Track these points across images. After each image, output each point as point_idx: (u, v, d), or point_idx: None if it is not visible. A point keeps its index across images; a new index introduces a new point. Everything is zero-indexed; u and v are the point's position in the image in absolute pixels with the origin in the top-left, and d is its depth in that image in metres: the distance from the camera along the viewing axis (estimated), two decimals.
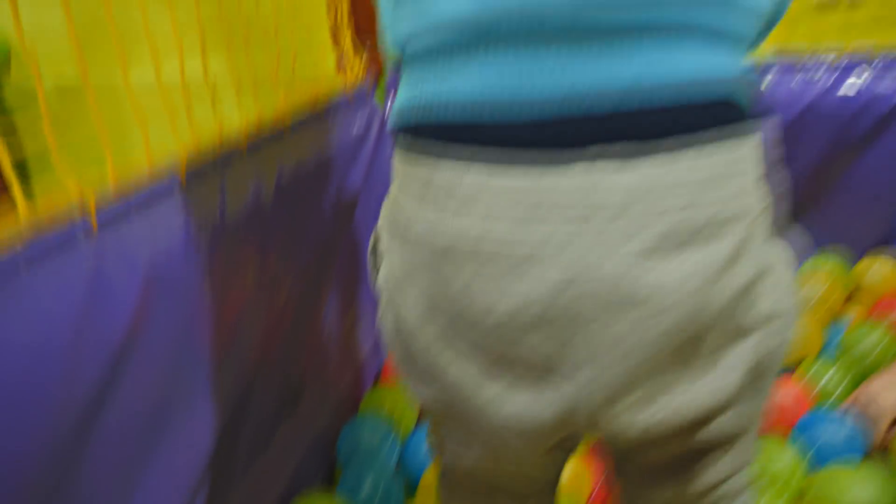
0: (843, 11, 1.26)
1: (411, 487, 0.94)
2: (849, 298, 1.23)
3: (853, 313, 1.19)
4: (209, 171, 0.72)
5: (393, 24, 0.41)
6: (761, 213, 0.40)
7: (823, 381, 1.02)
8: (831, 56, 1.23)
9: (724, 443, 0.46)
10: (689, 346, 0.39)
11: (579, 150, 0.36)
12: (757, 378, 0.42)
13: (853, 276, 1.24)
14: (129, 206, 0.60)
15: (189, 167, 0.68)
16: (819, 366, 1.05)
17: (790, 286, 0.43)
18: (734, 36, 0.39)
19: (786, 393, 0.97)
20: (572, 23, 0.35)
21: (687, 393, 0.40)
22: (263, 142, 0.83)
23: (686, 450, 0.46)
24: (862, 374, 1.02)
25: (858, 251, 1.27)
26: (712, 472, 0.47)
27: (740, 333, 0.40)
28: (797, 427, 0.94)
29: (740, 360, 0.41)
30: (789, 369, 1.08)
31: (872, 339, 1.03)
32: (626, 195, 0.36)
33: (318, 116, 0.99)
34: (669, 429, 0.42)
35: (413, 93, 0.41)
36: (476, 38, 0.37)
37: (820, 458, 0.89)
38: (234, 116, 0.80)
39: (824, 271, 1.21)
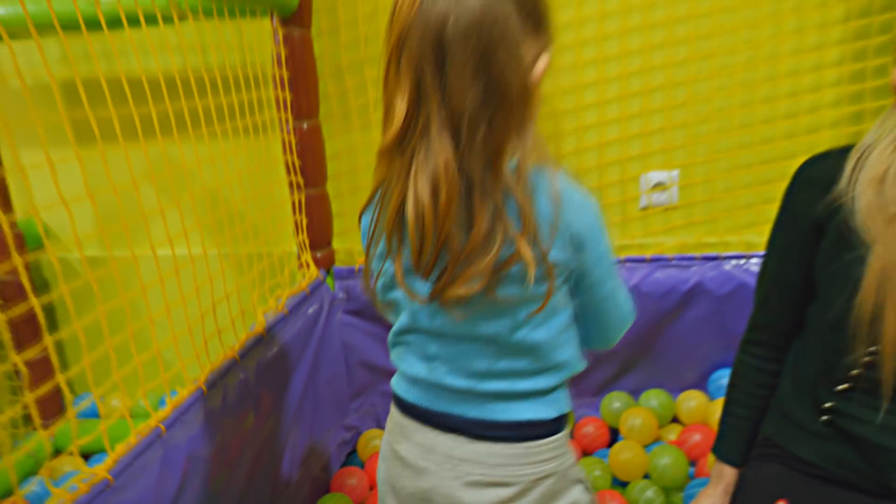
0: (660, 214, 1.80)
1: None
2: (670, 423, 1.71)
3: (671, 436, 1.67)
4: (218, 379, 1.17)
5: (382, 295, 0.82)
6: (545, 477, 0.78)
7: (645, 496, 1.47)
8: (649, 252, 1.75)
9: None
10: None
11: (450, 432, 0.79)
12: None
13: (674, 407, 1.72)
14: (178, 412, 1.05)
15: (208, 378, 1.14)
16: (641, 483, 1.50)
17: None
18: (547, 389, 0.78)
19: None
20: (464, 389, 0.78)
21: None
22: (249, 349, 1.30)
23: None
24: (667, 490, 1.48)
25: (678, 389, 1.76)
26: None
27: None
28: None
29: None
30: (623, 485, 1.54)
31: (667, 461, 1.49)
32: (465, 455, 0.79)
33: (285, 316, 1.47)
34: None
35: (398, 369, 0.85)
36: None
37: None
38: (229, 332, 1.27)
39: (649, 405, 1.69)
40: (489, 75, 0.65)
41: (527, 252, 0.67)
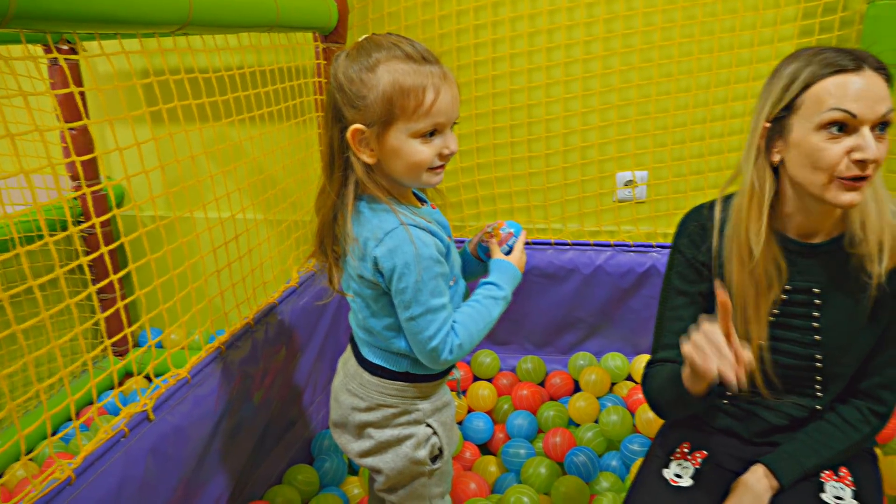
0: (630, 207, 2.14)
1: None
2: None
3: (623, 391, 2.03)
4: (262, 317, 1.58)
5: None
6: (388, 406, 1.10)
7: (587, 436, 1.83)
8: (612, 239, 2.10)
9: None
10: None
11: (353, 357, 1.16)
12: None
13: (628, 367, 2.09)
14: (233, 338, 1.45)
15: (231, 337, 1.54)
16: (589, 426, 1.87)
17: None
18: (396, 353, 1.08)
19: None
20: (359, 335, 1.15)
21: None
22: (285, 297, 1.70)
23: None
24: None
25: (633, 353, 2.13)
26: None
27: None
28: None
29: None
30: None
31: (615, 418, 1.84)
32: (349, 371, 1.15)
33: (315, 274, 1.86)
34: None
35: None
36: None
37: None
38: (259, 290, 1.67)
39: (608, 365, 2.06)
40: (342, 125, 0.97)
41: (350, 264, 1.02)
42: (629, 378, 2.10)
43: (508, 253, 1.13)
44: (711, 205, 1.15)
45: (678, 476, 1.16)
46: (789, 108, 0.99)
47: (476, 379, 2.15)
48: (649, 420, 1.79)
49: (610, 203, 2.15)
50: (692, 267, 1.15)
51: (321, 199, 1.04)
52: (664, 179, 2.09)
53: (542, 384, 2.10)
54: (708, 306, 1.14)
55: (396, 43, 0.95)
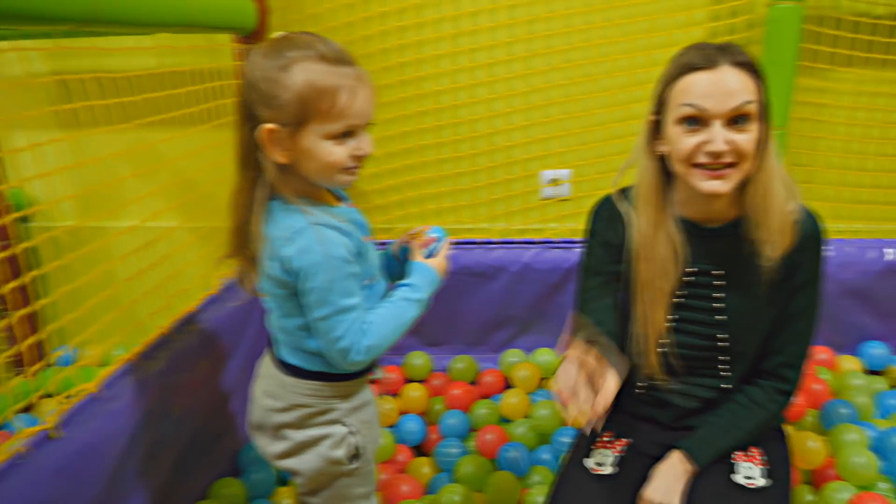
0: (556, 205, 2.17)
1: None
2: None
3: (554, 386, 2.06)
4: (184, 325, 1.52)
5: None
6: (303, 406, 1.08)
7: (519, 431, 1.85)
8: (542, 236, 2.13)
9: None
10: None
11: (270, 359, 1.15)
12: None
13: (559, 362, 2.11)
14: (150, 349, 1.40)
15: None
16: (520, 421, 1.89)
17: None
18: (310, 352, 1.05)
19: None
20: (274, 336, 1.14)
21: None
22: (206, 305, 1.65)
23: None
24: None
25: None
26: None
27: None
28: None
29: None
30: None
31: (546, 412, 1.86)
32: (265, 372, 1.14)
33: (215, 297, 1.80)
34: None
35: None
36: None
37: None
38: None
39: (538, 361, 2.09)
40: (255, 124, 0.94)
41: (252, 263, 1.02)
42: None
43: (429, 257, 1.13)
44: (619, 192, 1.21)
45: (599, 464, 1.19)
46: (661, 105, 1.07)
47: (408, 381, 2.14)
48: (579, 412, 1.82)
49: (536, 201, 2.18)
50: (605, 248, 1.21)
51: (235, 199, 1.02)
52: (587, 177, 2.13)
53: (474, 383, 2.11)
54: (622, 286, 1.20)
55: (311, 43, 0.94)
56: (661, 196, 1.12)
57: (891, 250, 2.02)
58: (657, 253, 1.12)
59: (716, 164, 1.02)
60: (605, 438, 1.24)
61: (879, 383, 1.97)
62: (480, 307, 2.16)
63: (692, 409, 1.20)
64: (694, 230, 1.14)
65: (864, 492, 1.51)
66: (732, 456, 1.16)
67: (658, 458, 1.15)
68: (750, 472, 1.14)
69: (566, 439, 1.75)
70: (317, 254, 0.95)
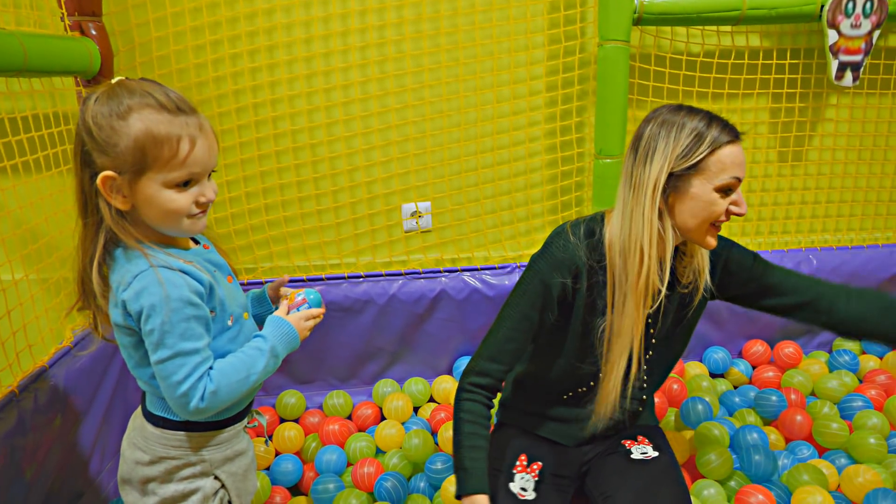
0: (419, 237, 2.25)
1: None
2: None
3: (426, 413, 2.11)
4: (29, 383, 1.44)
5: None
6: (170, 458, 1.05)
7: (393, 461, 1.88)
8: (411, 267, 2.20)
9: None
10: None
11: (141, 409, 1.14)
12: None
13: (430, 390, 2.17)
14: None
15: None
16: (393, 451, 1.92)
17: None
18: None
19: None
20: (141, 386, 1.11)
21: None
22: (57, 359, 1.56)
23: None
24: None
25: (433, 375, 2.22)
26: None
27: None
28: None
29: None
30: None
31: (417, 441, 1.91)
32: (134, 424, 1.11)
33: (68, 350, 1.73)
34: None
35: None
36: None
37: None
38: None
39: (410, 390, 2.13)
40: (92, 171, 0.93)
41: (100, 310, 1.00)
42: (431, 399, 2.19)
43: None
44: (577, 234, 1.25)
45: (524, 490, 1.28)
46: (694, 167, 1.13)
47: (283, 421, 2.12)
48: (450, 438, 1.88)
49: (399, 234, 2.25)
50: (547, 296, 1.24)
51: (78, 247, 0.99)
52: (445, 208, 2.23)
53: (350, 417, 2.12)
54: (539, 332, 1.27)
55: (150, 91, 0.93)
56: (662, 248, 1.21)
57: None
58: (647, 292, 1.19)
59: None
60: (523, 462, 1.35)
61: (723, 385, 2.20)
62: (350, 341, 2.18)
63: (602, 431, 1.40)
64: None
65: (749, 485, 1.65)
66: (626, 445, 1.39)
67: (565, 478, 1.34)
68: (643, 450, 1.37)
69: (437, 465, 1.78)
70: (154, 295, 0.92)
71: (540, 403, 1.42)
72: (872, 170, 2.39)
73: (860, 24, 2.01)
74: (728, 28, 2.13)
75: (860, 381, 2.18)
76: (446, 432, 1.89)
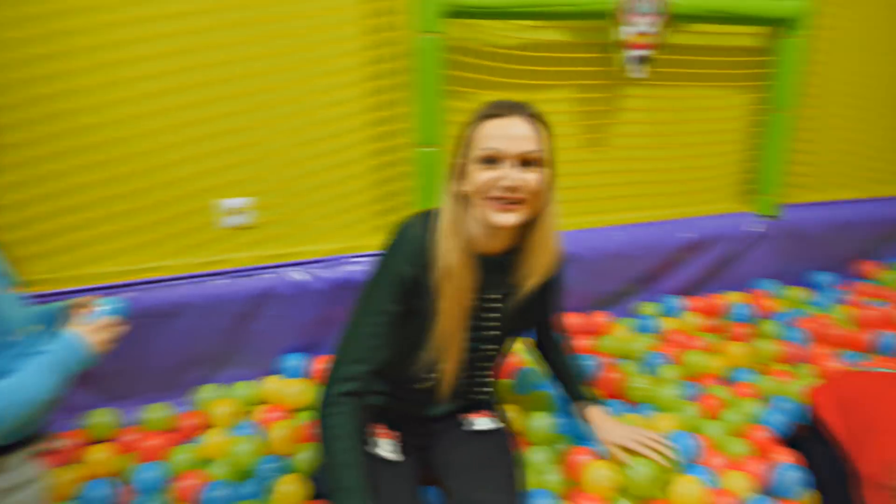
0: (239, 233, 2.15)
1: None
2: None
3: (257, 416, 2.03)
4: None
5: None
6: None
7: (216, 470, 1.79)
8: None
9: None
10: None
11: None
12: None
13: (259, 391, 2.09)
14: None
15: None
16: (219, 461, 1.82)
17: None
18: None
19: None
20: None
21: None
22: None
23: None
24: None
25: (264, 373, 2.14)
26: None
27: None
28: None
29: None
30: None
31: (246, 447, 1.83)
32: None
33: None
34: None
35: None
36: None
37: None
38: None
39: (238, 394, 2.04)
40: None
41: None
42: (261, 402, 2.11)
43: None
44: (424, 224, 1.31)
45: (391, 453, 1.41)
46: (465, 148, 1.25)
47: (95, 442, 1.93)
48: (282, 437, 1.81)
49: (219, 231, 2.13)
50: (402, 286, 1.30)
51: None
52: (271, 203, 2.15)
53: (175, 430, 1.99)
54: (401, 322, 1.32)
55: None
56: (464, 232, 1.28)
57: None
58: (460, 284, 1.28)
59: (507, 199, 1.20)
60: (383, 430, 1.47)
61: None
62: (168, 348, 2.04)
63: (456, 408, 1.51)
64: (483, 260, 1.32)
65: (574, 447, 1.70)
66: (468, 418, 1.52)
67: (423, 448, 1.48)
68: (482, 423, 1.52)
69: (270, 465, 1.72)
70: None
71: (391, 385, 1.49)
72: (667, 153, 2.64)
73: (648, 21, 2.21)
74: (534, 23, 2.24)
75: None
76: (279, 431, 1.83)
